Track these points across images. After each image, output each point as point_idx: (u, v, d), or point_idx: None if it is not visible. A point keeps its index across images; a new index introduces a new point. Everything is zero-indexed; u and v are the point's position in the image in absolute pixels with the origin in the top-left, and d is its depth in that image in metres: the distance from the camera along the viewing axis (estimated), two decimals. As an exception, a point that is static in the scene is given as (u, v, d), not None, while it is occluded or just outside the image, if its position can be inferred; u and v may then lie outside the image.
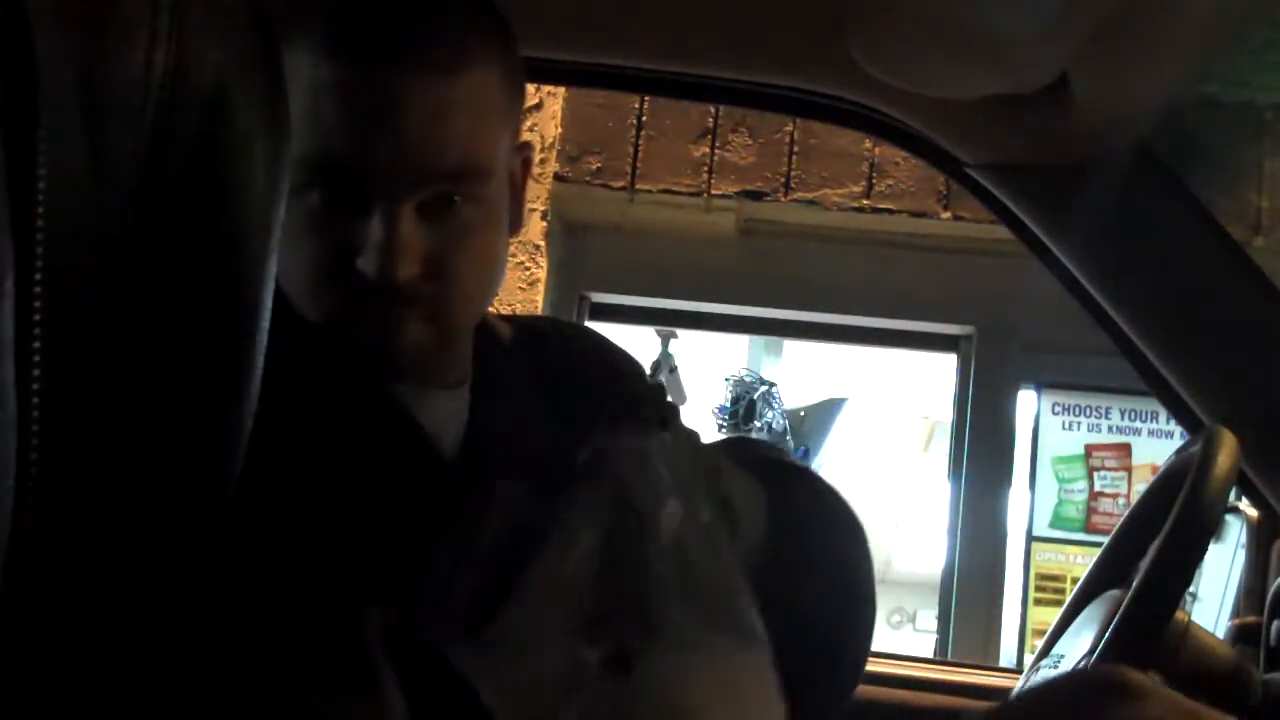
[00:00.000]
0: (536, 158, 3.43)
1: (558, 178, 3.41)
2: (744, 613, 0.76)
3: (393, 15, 0.87)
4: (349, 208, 0.87)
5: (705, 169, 3.46)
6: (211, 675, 0.63)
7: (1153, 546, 1.12)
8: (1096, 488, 3.55)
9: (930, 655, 3.84)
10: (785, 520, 0.87)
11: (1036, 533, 3.54)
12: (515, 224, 0.98)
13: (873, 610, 0.96)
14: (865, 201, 3.44)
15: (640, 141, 3.47)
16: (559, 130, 3.40)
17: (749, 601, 0.76)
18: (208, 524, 0.54)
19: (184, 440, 0.51)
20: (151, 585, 0.51)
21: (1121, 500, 3.52)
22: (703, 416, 4.11)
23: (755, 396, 4.11)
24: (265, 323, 0.55)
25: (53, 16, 0.43)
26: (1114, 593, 1.23)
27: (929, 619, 5.68)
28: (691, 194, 3.46)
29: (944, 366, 3.74)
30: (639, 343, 3.82)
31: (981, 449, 3.49)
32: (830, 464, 4.47)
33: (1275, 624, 1.22)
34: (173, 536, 0.52)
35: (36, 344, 0.43)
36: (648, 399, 1.12)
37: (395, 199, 0.86)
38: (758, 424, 4.11)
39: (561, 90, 3.30)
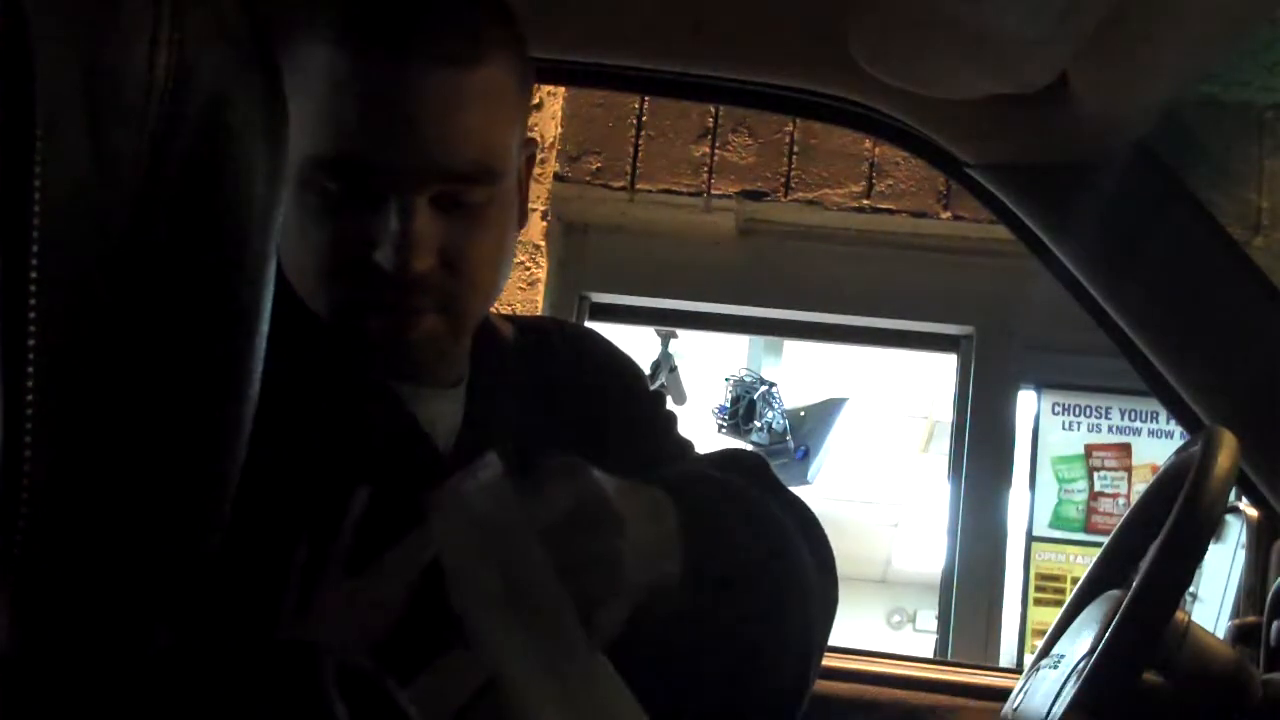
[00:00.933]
0: (537, 157, 3.41)
1: (558, 178, 3.41)
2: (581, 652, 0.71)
3: (408, 9, 0.87)
4: (363, 201, 0.87)
5: (705, 169, 3.46)
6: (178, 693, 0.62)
7: (1153, 546, 1.12)
8: (1096, 488, 3.55)
9: (930, 655, 3.84)
10: (698, 534, 0.85)
11: (1036, 533, 3.54)
12: (520, 219, 0.99)
13: (813, 613, 0.91)
14: (865, 201, 3.44)
15: (640, 141, 3.47)
16: (559, 130, 3.39)
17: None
18: (208, 526, 0.54)
19: (183, 442, 0.51)
20: (149, 588, 0.51)
21: (1121, 500, 3.52)
22: (703, 416, 4.11)
23: (755, 397, 4.11)
24: (265, 324, 0.55)
25: (54, 19, 0.43)
26: (1114, 593, 1.23)
27: (929, 619, 5.69)
28: (691, 194, 3.45)
29: (944, 366, 3.74)
30: (639, 343, 3.81)
31: (981, 449, 3.48)
32: (830, 464, 4.46)
33: (1275, 624, 1.22)
34: (172, 539, 0.52)
35: (30, 341, 0.43)
36: (647, 401, 1.12)
37: (411, 191, 0.87)
38: (758, 424, 4.11)
39: (561, 90, 3.30)
